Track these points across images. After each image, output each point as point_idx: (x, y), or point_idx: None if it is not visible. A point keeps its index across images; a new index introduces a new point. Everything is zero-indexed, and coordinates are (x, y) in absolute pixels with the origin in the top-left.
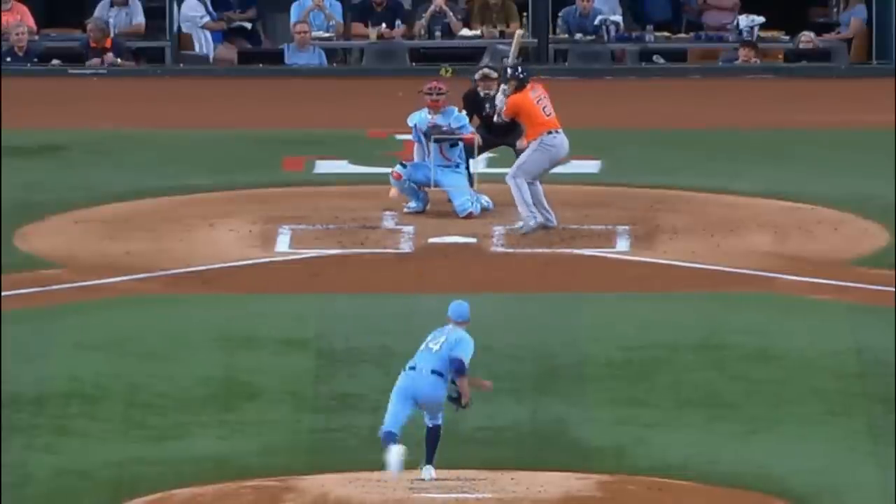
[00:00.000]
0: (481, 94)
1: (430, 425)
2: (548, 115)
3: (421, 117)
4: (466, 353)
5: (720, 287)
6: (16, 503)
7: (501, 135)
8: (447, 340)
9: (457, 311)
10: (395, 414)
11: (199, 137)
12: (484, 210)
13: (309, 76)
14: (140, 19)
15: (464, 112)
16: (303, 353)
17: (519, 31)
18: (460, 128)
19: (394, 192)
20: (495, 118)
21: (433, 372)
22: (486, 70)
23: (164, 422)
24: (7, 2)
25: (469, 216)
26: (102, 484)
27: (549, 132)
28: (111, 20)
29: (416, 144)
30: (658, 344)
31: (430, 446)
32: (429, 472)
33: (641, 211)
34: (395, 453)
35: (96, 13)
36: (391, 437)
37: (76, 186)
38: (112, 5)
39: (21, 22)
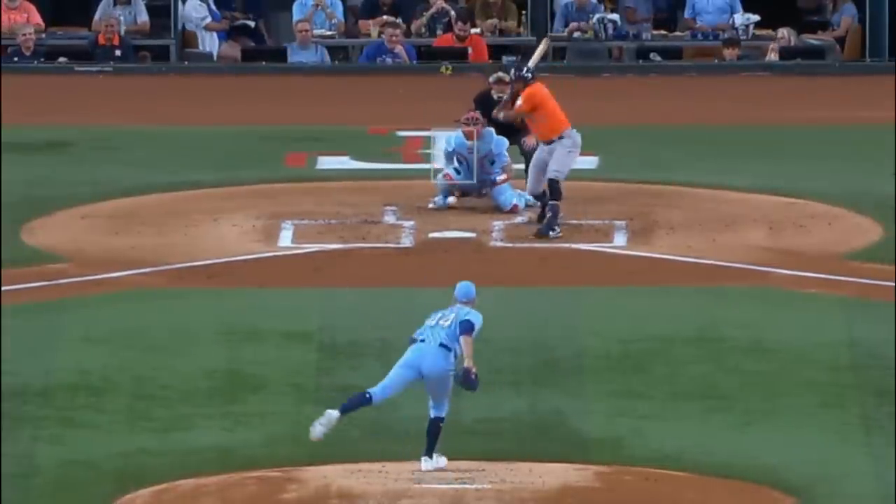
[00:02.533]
0: (495, 97)
1: (433, 416)
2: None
3: (459, 142)
4: (478, 321)
5: (716, 281)
6: (22, 493)
7: (508, 135)
8: (457, 315)
9: (464, 291)
10: (388, 380)
11: (203, 134)
12: (528, 205)
13: (311, 74)
14: (144, 18)
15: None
16: (305, 346)
17: (546, 42)
18: (500, 155)
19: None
20: (501, 116)
21: (441, 345)
22: (500, 74)
23: (169, 413)
24: (14, 0)
25: (514, 209)
26: (108, 474)
27: (572, 128)
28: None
29: (447, 165)
30: (655, 337)
31: (431, 438)
32: (426, 463)
33: (638, 206)
34: (326, 419)
35: (100, 11)
36: (361, 398)
37: (83, 182)
38: (115, 4)
39: (28, 23)
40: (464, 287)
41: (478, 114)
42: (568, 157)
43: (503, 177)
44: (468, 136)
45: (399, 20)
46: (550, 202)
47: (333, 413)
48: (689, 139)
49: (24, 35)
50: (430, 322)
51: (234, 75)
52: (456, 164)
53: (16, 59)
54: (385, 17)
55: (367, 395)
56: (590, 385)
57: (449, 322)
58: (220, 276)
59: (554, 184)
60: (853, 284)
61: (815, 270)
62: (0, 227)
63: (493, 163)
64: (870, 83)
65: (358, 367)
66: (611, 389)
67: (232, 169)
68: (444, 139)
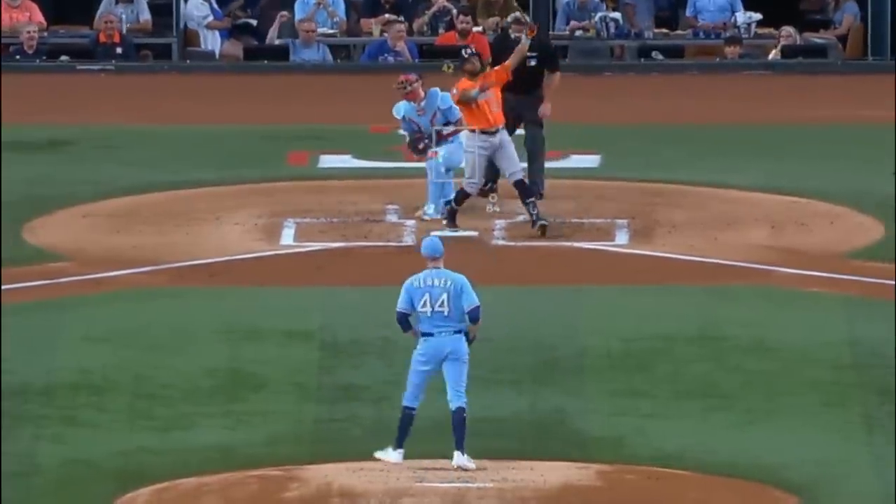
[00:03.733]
0: (512, 36)
1: (454, 408)
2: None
3: (408, 108)
4: (475, 298)
5: (718, 280)
6: (24, 492)
7: (525, 92)
8: (450, 297)
9: (431, 249)
10: (413, 386)
11: (205, 133)
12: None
13: (313, 72)
14: (146, 16)
15: (451, 91)
16: (307, 345)
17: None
18: (448, 109)
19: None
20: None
21: (455, 332)
22: (517, 14)
23: (171, 412)
24: None
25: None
26: (109, 473)
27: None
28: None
29: (407, 134)
30: (656, 336)
31: (458, 431)
32: (458, 458)
33: (640, 205)
34: (395, 456)
35: (101, 9)
36: (404, 420)
37: (84, 181)
38: (117, 2)
39: (30, 22)
40: (429, 245)
41: (411, 76)
42: (514, 150)
43: (450, 129)
44: (408, 99)
45: (401, 18)
46: (529, 200)
47: (395, 454)
48: (691, 138)
49: (26, 33)
50: (426, 308)
51: (236, 74)
52: (410, 128)
53: (17, 57)
54: (387, 15)
55: (407, 410)
56: (591, 384)
57: (448, 309)
58: (221, 274)
59: (523, 183)
60: (855, 283)
61: (817, 269)
62: (1, 225)
63: (446, 122)
64: (872, 82)
65: (359, 365)
66: (612, 388)
67: (234, 168)
68: (395, 108)
